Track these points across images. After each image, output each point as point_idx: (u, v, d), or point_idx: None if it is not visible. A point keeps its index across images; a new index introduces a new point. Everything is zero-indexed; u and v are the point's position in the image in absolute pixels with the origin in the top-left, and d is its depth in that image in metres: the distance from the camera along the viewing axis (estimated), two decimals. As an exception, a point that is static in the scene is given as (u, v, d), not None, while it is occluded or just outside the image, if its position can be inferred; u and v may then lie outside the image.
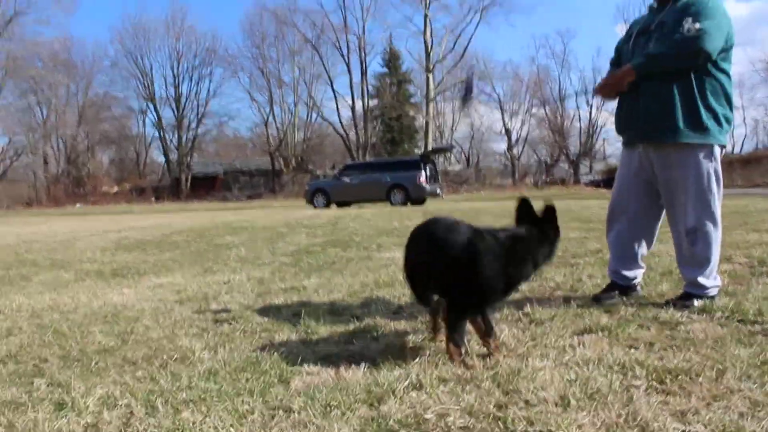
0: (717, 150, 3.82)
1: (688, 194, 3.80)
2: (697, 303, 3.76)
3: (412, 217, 14.45)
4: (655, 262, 5.27)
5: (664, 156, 3.87)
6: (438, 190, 27.90)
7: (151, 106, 62.03)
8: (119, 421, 2.31)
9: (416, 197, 25.96)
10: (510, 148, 62.55)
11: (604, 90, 4.06)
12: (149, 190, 59.03)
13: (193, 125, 61.72)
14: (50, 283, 6.08)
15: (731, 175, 42.58)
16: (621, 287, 4.19)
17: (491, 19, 74.51)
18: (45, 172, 60.35)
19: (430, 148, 48.23)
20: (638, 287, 4.28)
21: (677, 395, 2.32)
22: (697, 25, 3.58)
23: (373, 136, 57.66)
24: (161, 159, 66.38)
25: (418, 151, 49.87)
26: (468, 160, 67.63)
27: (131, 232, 13.28)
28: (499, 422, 2.14)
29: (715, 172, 3.80)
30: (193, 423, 2.24)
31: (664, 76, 3.74)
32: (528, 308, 3.83)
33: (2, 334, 3.94)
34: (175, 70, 60.96)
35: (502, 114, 61.85)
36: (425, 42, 54.02)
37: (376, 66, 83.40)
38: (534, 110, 62.57)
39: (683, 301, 3.82)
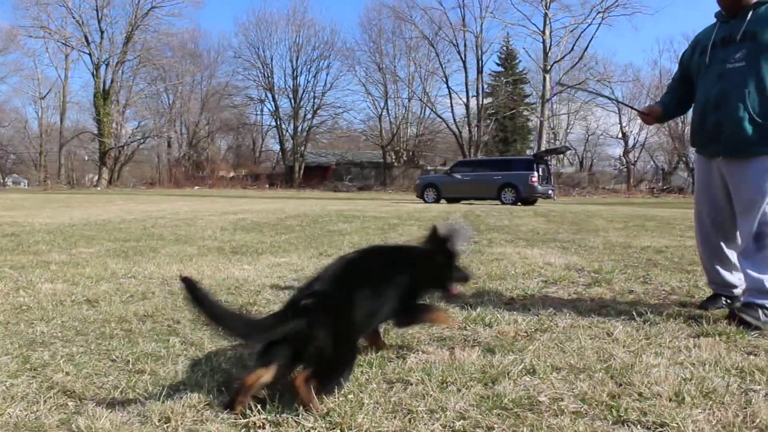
0: None
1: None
2: (763, 316, 3.42)
3: (522, 215, 14.37)
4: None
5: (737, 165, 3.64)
6: (550, 192, 27.38)
7: (270, 96, 64.28)
8: (248, 379, 2.48)
9: (527, 197, 25.64)
10: (626, 152, 60.72)
11: None
12: (263, 176, 61.30)
13: (309, 116, 63.44)
14: (176, 256, 6.46)
15: None
16: (725, 296, 3.94)
17: (613, 21, 71.91)
18: (168, 155, 64.32)
19: (543, 148, 47.39)
20: (741, 297, 3.86)
21: (800, 402, 2.27)
22: None
23: (485, 135, 57.30)
24: (276, 147, 68.88)
25: (530, 151, 49.20)
26: (581, 163, 66.26)
27: (248, 214, 13.85)
28: (612, 410, 2.16)
29: None
30: (316, 386, 2.38)
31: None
32: (641, 309, 3.78)
33: (138, 296, 4.28)
34: (294, 62, 62.88)
35: (620, 118, 60.11)
36: (544, 42, 53.14)
37: (492, 64, 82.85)
38: (653, 116, 60.30)
39: (748, 310, 3.45)
